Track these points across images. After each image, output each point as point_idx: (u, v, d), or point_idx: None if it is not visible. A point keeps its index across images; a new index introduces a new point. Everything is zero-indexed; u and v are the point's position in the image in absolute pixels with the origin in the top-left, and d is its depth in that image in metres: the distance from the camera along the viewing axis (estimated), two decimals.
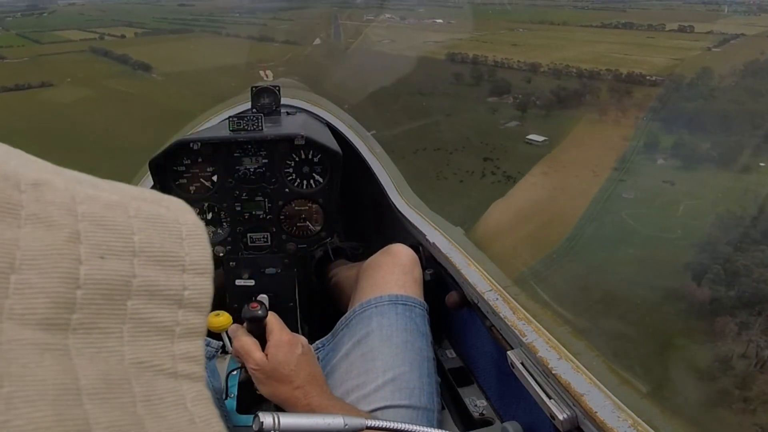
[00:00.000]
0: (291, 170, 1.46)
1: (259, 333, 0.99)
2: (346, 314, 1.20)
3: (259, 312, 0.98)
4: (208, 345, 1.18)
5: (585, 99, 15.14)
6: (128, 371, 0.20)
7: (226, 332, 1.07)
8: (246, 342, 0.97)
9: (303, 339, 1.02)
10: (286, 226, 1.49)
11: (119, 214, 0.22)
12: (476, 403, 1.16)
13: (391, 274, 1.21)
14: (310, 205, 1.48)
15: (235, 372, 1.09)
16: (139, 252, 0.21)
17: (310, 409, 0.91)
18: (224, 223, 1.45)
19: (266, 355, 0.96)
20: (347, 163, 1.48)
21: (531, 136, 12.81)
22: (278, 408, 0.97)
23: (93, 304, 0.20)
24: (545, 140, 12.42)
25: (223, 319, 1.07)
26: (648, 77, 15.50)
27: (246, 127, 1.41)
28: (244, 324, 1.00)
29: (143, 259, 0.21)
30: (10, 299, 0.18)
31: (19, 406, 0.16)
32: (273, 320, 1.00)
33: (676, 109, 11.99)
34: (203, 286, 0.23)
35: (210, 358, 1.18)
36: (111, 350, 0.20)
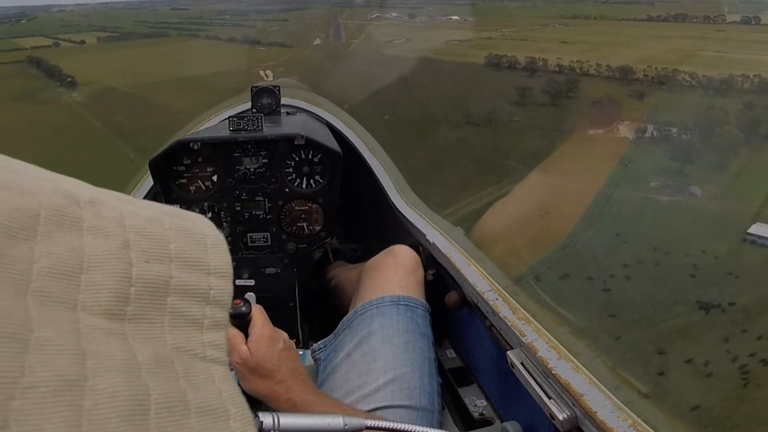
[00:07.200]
0: (291, 170, 1.46)
1: (244, 329, 1.00)
2: (348, 315, 1.20)
3: (243, 308, 0.98)
4: None
5: None
6: (170, 353, 0.24)
7: None
8: (231, 335, 0.97)
9: (284, 334, 1.02)
10: (286, 226, 1.49)
11: (157, 227, 0.27)
12: (476, 403, 1.16)
13: (393, 275, 1.21)
14: (310, 205, 1.48)
15: None
16: (175, 258, 0.26)
17: (291, 404, 0.92)
18: (224, 223, 1.45)
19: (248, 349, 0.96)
20: (347, 163, 1.48)
21: (756, 229, 5.47)
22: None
23: (142, 299, 0.24)
24: None
25: None
26: None
27: (246, 127, 1.41)
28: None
29: (178, 263, 0.26)
30: (82, 294, 0.22)
31: (101, 374, 0.21)
32: (257, 315, 1.00)
33: None
34: (225, 287, 0.27)
35: None
36: (156, 336, 0.24)
